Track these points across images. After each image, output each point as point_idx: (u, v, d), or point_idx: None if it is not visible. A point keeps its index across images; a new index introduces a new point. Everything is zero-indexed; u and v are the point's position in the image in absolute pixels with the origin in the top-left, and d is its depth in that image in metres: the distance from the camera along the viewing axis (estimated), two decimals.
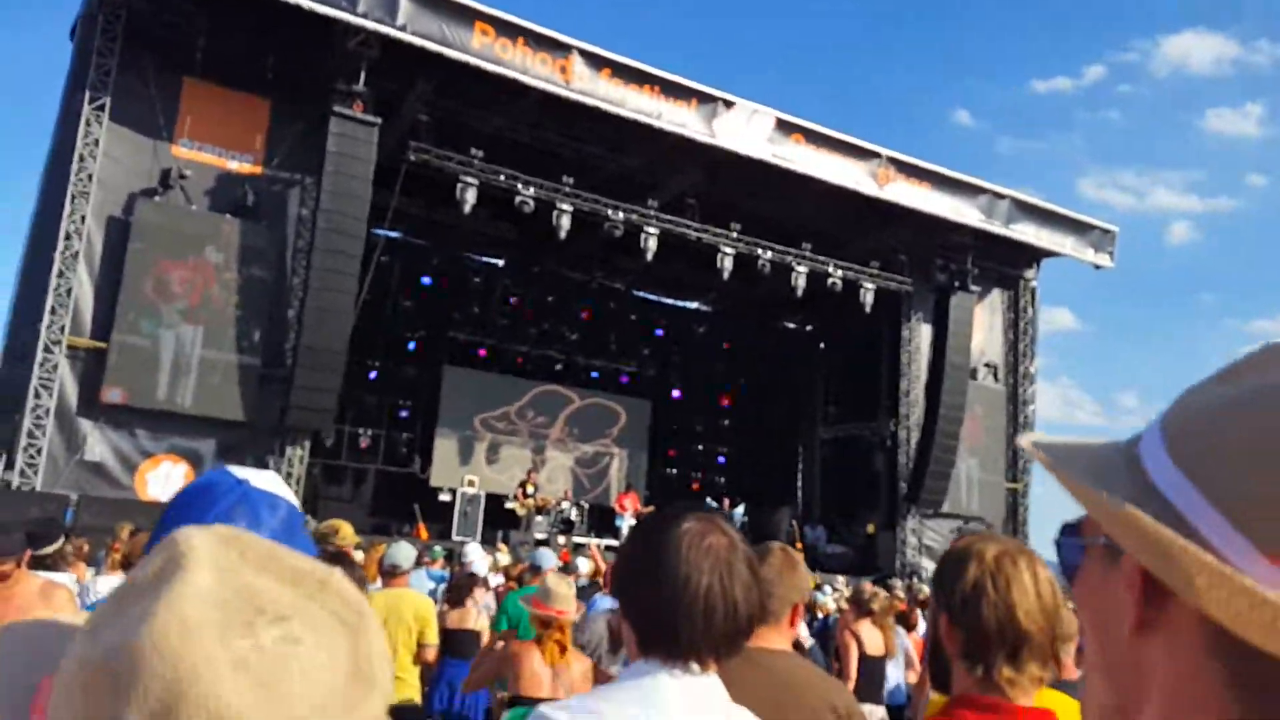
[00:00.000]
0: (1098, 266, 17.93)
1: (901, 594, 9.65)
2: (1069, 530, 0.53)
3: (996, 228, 16.56)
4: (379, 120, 12.20)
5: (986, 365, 18.39)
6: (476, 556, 7.79)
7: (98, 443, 11.39)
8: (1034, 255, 18.20)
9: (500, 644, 3.65)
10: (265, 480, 1.00)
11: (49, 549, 4.27)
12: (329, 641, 0.41)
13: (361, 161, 12.08)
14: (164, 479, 11.62)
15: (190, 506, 0.93)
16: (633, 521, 16.20)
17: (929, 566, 17.22)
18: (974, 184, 16.32)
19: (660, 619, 1.16)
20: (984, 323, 18.20)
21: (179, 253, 11.81)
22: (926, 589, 11.54)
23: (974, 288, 17.23)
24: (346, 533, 4.09)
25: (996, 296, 18.60)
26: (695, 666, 1.15)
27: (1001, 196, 16.57)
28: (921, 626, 7.03)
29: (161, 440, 11.74)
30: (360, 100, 12.11)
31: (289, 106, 12.63)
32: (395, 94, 12.96)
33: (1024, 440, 0.52)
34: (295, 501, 1.02)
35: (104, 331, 11.42)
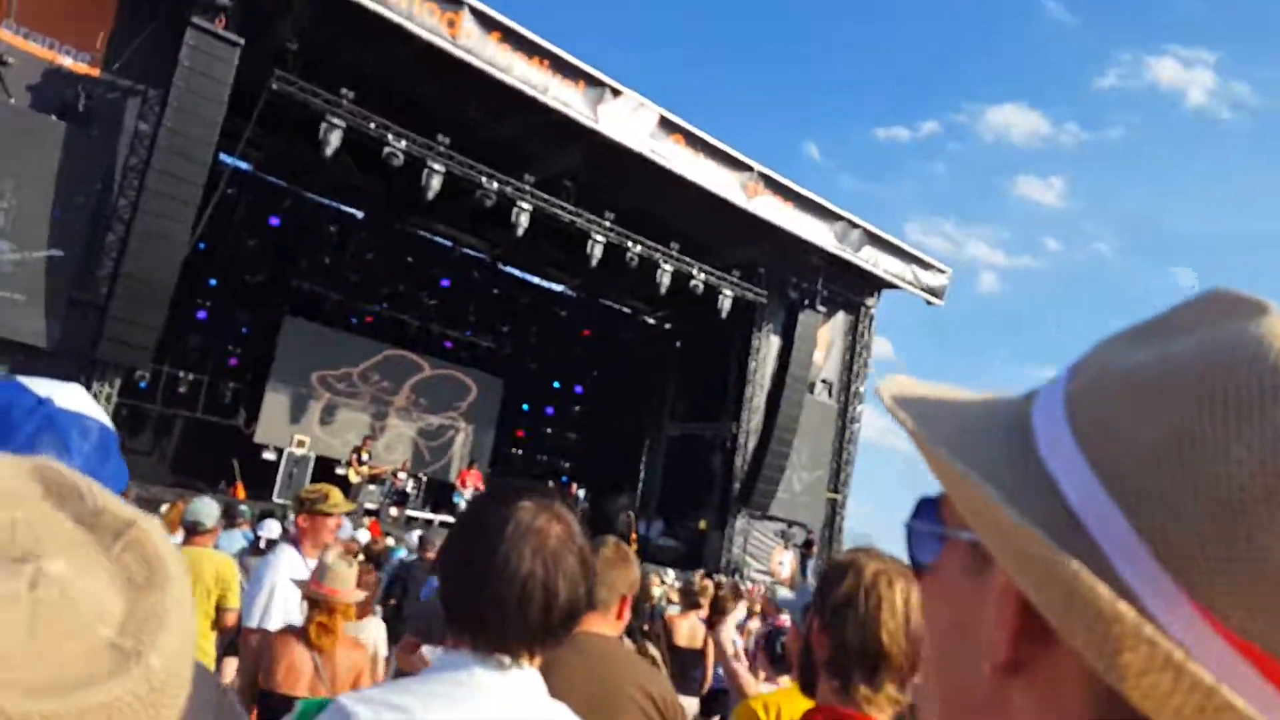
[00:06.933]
0: (930, 303, 19.43)
1: (726, 589, 10.05)
2: (926, 510, 0.40)
3: (849, 254, 17.55)
4: (241, 40, 11.25)
5: (823, 381, 19.47)
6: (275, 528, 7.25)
7: None
8: (877, 285, 19.40)
9: (255, 636, 3.24)
10: (70, 397, 0.85)
11: None
12: (97, 596, 0.35)
13: (216, 82, 11.09)
14: None
15: None
16: None
17: (752, 564, 18.09)
18: (833, 211, 17.19)
19: (472, 604, 1.07)
20: (826, 342, 19.27)
21: None
22: (749, 584, 12.13)
23: (821, 308, 18.21)
24: (337, 498, 3.64)
25: (840, 319, 19.73)
26: (506, 659, 1.07)
27: (856, 226, 17.57)
28: (738, 618, 7.30)
29: None
30: (224, 15, 11.12)
31: (140, 7, 11.39)
32: (264, 14, 12.00)
33: (884, 390, 0.39)
34: (106, 420, 0.89)
35: None
